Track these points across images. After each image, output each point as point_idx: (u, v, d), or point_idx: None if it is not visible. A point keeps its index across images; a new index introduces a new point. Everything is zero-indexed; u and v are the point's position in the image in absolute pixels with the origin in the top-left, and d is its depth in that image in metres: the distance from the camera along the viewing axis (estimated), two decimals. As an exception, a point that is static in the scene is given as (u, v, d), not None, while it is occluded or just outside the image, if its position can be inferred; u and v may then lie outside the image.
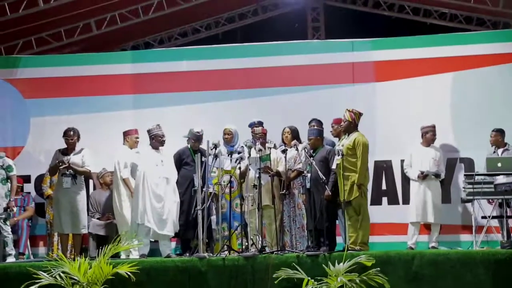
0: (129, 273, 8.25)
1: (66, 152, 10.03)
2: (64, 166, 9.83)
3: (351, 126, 9.76)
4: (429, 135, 10.67)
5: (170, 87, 11.98)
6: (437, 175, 10.54)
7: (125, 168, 10.37)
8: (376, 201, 11.19)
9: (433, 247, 10.30)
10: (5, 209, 10.19)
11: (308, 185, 9.60)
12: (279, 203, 9.87)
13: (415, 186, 10.59)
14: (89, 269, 8.19)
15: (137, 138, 10.63)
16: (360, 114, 9.78)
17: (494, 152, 10.64)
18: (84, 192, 10.06)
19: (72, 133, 10.07)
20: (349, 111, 9.75)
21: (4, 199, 10.20)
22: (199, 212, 9.31)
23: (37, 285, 8.11)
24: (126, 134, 10.69)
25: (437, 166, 10.57)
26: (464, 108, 11.37)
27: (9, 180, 10.33)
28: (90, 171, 10.16)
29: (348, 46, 11.94)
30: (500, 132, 10.66)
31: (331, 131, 10.63)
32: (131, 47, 15.99)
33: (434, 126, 10.71)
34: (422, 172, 10.47)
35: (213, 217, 10.18)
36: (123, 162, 10.39)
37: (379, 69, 11.71)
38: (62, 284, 8.16)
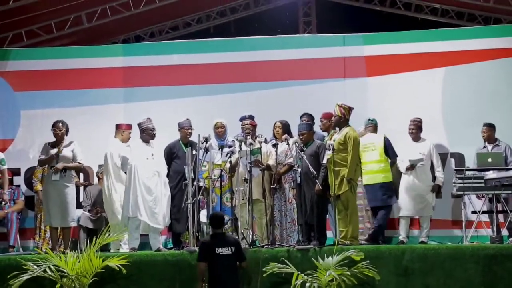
0: (119, 265, 8.25)
1: (55, 145, 9.97)
2: (56, 168, 9.77)
3: (341, 121, 9.73)
4: (410, 132, 10.65)
5: (161, 81, 11.98)
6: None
7: (118, 157, 10.34)
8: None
9: (422, 242, 10.30)
10: None
11: (298, 180, 9.58)
12: (270, 197, 9.86)
13: (405, 180, 10.57)
14: (78, 262, 8.18)
15: (130, 133, 10.59)
16: (351, 109, 9.75)
17: (484, 147, 10.66)
18: (73, 185, 10.01)
19: (61, 125, 10.00)
20: (339, 106, 9.73)
21: None
22: (190, 205, 9.31)
23: (25, 277, 8.10)
24: (119, 127, 10.65)
25: (424, 161, 10.53)
26: (455, 103, 11.41)
27: (0, 174, 10.30)
28: (82, 164, 10.11)
29: (339, 40, 11.95)
30: (492, 127, 10.68)
31: (319, 126, 10.63)
32: (122, 40, 15.93)
33: (413, 122, 10.65)
34: (412, 166, 10.44)
35: (203, 211, 10.16)
36: (117, 154, 10.34)
37: (370, 64, 11.74)
38: (51, 277, 8.15)
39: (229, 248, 8.15)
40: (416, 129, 10.62)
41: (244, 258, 8.32)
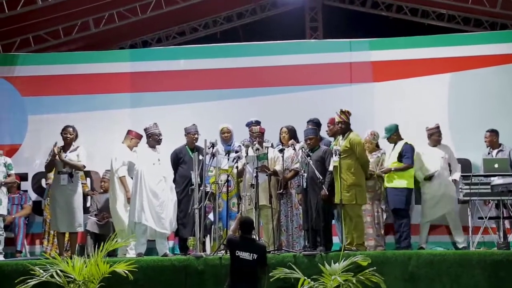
0: (126, 271, 8.25)
1: (63, 149, 10.00)
2: (56, 153, 9.79)
3: (348, 126, 9.74)
4: (434, 137, 10.66)
5: (168, 86, 11.98)
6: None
7: (122, 166, 10.36)
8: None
9: (421, 248, 10.29)
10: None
11: (304, 185, 9.57)
12: (276, 202, 9.87)
13: (423, 187, 10.61)
14: (85, 267, 8.19)
15: (138, 143, 10.59)
16: (350, 112, 9.79)
17: (489, 153, 10.66)
18: (80, 190, 10.03)
19: (71, 129, 10.05)
20: (342, 111, 9.71)
21: (5, 196, 10.22)
22: (196, 211, 9.33)
23: (32, 282, 8.11)
24: (129, 133, 10.66)
25: (447, 164, 10.57)
26: (461, 109, 11.39)
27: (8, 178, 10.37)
28: (83, 165, 10.09)
29: (346, 46, 11.95)
30: (495, 133, 10.68)
31: (326, 131, 10.63)
32: (129, 45, 16.00)
33: (438, 127, 10.69)
34: (430, 177, 10.49)
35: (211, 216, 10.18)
36: (121, 161, 10.36)
37: (377, 69, 11.73)
38: (58, 282, 8.16)
39: (251, 254, 8.02)
40: (439, 134, 10.70)
41: (264, 264, 8.19)
